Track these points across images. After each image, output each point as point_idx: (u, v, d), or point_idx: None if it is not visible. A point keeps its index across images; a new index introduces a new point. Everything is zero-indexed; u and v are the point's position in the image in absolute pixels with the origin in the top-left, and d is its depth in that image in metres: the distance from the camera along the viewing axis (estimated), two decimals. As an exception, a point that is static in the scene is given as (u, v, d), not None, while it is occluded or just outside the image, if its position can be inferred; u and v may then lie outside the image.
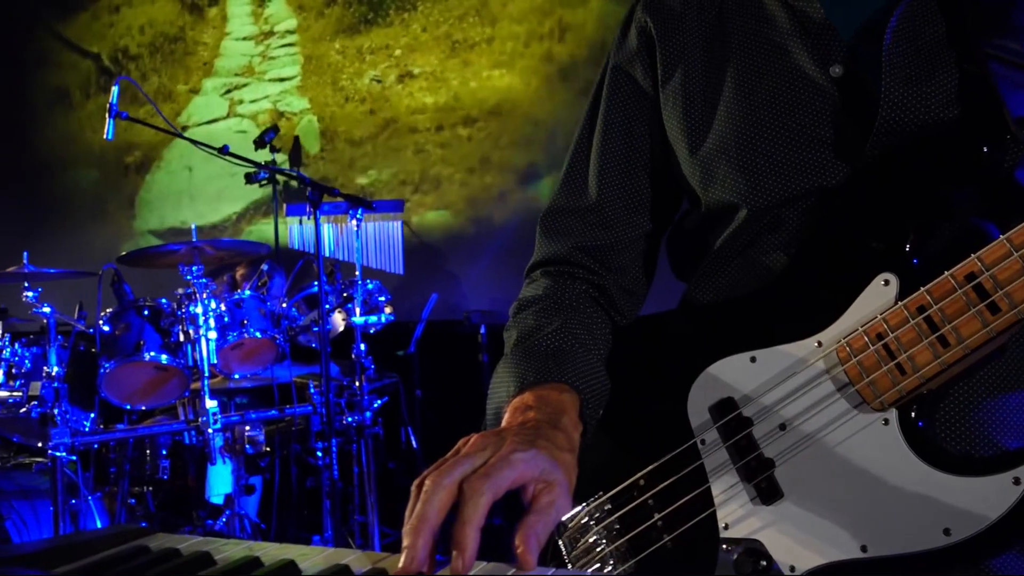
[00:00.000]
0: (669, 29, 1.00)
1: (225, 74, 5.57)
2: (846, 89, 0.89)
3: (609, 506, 0.91)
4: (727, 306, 0.96)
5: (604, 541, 0.90)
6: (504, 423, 0.82)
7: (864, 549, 0.79)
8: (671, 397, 0.90)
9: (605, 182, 1.05)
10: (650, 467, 0.90)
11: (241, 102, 5.50)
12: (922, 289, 0.78)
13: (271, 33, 5.44)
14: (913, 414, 0.80)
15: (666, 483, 0.88)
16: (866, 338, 0.81)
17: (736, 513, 0.85)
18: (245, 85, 5.49)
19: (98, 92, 5.79)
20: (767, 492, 0.83)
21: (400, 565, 0.63)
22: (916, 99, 0.85)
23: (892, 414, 0.80)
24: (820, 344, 0.84)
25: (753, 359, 0.86)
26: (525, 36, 4.63)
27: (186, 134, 5.31)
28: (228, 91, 5.52)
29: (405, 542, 0.64)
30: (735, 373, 0.87)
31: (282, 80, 5.36)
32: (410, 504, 0.68)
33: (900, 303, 0.79)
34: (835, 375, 0.82)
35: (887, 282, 0.81)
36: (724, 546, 0.85)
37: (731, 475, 0.85)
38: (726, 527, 0.85)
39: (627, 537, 0.89)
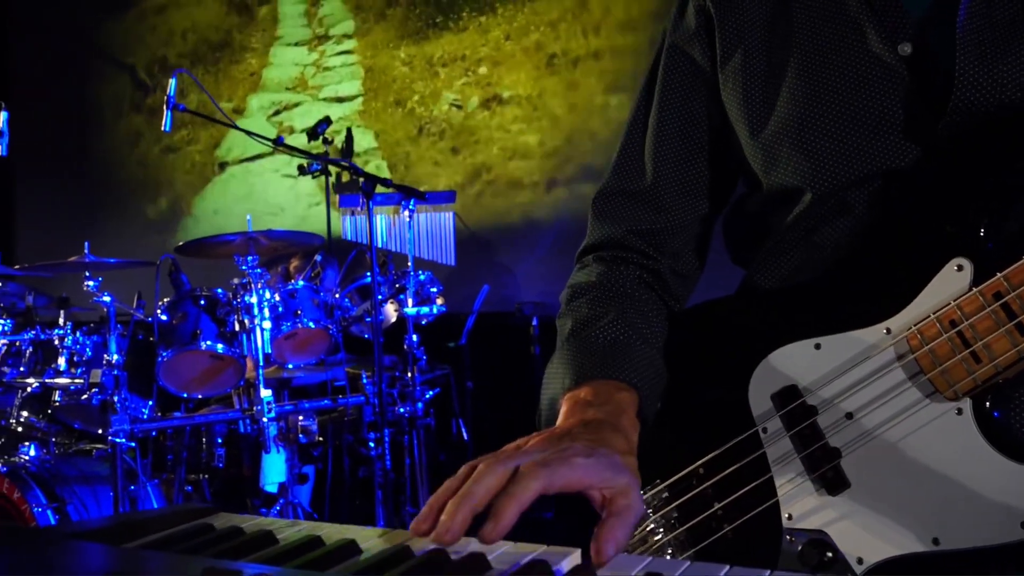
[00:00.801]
0: (729, 8, 0.99)
1: (274, 88, 5.01)
2: (915, 68, 0.87)
3: (667, 494, 0.91)
4: (789, 291, 0.95)
5: (662, 530, 0.90)
6: (562, 417, 0.83)
7: (936, 542, 0.78)
8: (731, 384, 0.89)
9: (661, 164, 1.04)
10: (709, 456, 0.89)
11: (292, 131, 4.88)
12: (999, 275, 0.76)
13: (326, 37, 4.87)
14: (988, 403, 0.78)
15: (726, 472, 0.88)
16: (939, 325, 0.79)
17: (800, 503, 0.84)
18: (296, 105, 4.88)
19: (131, 111, 5.73)
20: (833, 482, 0.82)
21: (434, 533, 0.64)
22: (992, 78, 0.83)
23: (966, 403, 0.78)
24: (889, 331, 0.82)
25: (817, 346, 0.85)
26: (647, 48, 3.79)
27: (225, 174, 5.25)
28: (277, 112, 4.95)
29: (444, 515, 0.64)
30: (798, 360, 0.86)
31: (340, 100, 4.77)
32: (454, 481, 0.69)
33: (975, 289, 0.77)
34: (905, 363, 0.81)
35: (960, 267, 0.79)
36: (788, 537, 0.84)
37: (794, 465, 0.84)
38: (789, 517, 0.84)
39: (686, 526, 0.89)
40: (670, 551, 0.89)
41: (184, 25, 5.58)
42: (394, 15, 4.65)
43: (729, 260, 1.11)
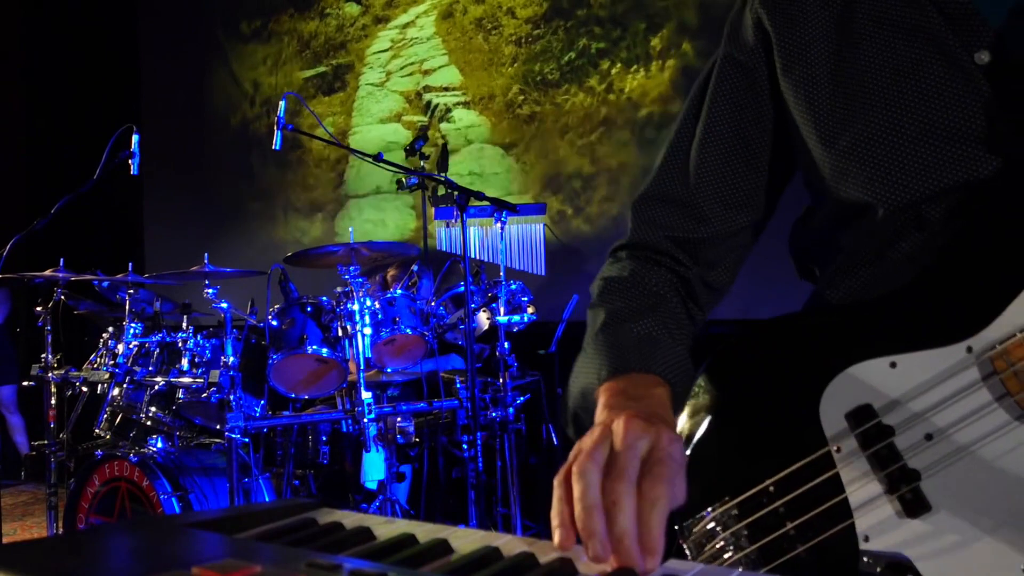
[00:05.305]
0: (788, 21, 0.93)
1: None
2: (994, 77, 0.81)
3: (736, 512, 0.87)
4: (862, 307, 0.89)
5: (732, 548, 0.87)
6: (602, 408, 0.80)
7: None
8: (801, 402, 0.85)
9: (704, 174, 1.00)
10: (780, 474, 0.85)
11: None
12: (1093, 292, 0.70)
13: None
14: (1080, 427, 0.71)
15: (799, 491, 0.83)
16: None
17: (878, 525, 0.79)
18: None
19: (247, 133, 6.01)
20: (913, 505, 0.77)
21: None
22: None
23: None
24: (970, 350, 0.77)
25: (893, 364, 0.80)
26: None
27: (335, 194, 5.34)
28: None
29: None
30: (873, 378, 0.81)
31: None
32: (570, 493, 0.65)
33: None
34: (990, 384, 0.75)
35: None
36: (865, 559, 0.79)
37: (872, 486, 0.80)
38: (866, 539, 0.80)
39: (757, 545, 0.85)
40: (741, 569, 0.85)
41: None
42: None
43: (781, 275, 1.07)
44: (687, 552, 0.90)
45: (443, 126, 4.63)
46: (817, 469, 0.83)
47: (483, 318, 3.52)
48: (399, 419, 3.37)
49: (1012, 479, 0.74)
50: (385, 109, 5.01)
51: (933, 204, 0.84)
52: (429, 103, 4.78)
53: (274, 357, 3.17)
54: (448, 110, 4.71)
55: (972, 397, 0.77)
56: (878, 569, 0.79)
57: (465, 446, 3.30)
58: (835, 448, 0.83)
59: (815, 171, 0.94)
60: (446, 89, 4.71)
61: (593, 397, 0.84)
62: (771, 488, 0.85)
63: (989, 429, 0.76)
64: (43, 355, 3.52)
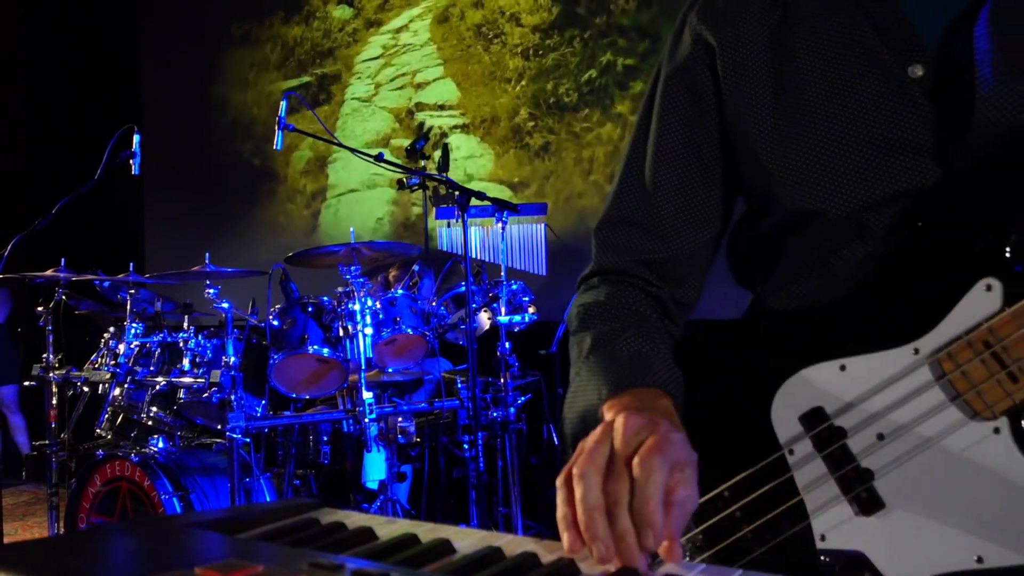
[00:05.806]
0: (728, 36, 0.96)
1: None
2: (930, 90, 0.84)
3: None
4: (808, 313, 0.91)
5: (688, 553, 0.88)
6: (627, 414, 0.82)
7: (980, 560, 0.75)
8: (751, 407, 0.87)
9: (663, 193, 1.01)
10: (735, 479, 0.86)
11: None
12: (1034, 295, 0.72)
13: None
14: (1024, 423, 0.74)
15: (754, 495, 0.85)
16: (971, 346, 0.76)
17: (834, 524, 0.82)
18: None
19: (247, 131, 6.01)
20: (867, 503, 0.80)
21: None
22: (1013, 98, 0.79)
23: (1003, 422, 0.75)
24: (917, 352, 0.79)
25: (843, 367, 0.82)
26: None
27: (333, 192, 5.11)
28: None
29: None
30: (823, 382, 0.83)
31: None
32: (572, 495, 0.67)
33: (1008, 309, 0.74)
34: (938, 384, 0.78)
35: (990, 287, 0.76)
36: (823, 558, 0.82)
37: (826, 487, 0.82)
38: (823, 538, 0.82)
39: (714, 550, 0.87)
40: (740, 571, 0.88)
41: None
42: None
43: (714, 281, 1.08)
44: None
45: (438, 155, 4.24)
46: (771, 473, 0.85)
47: (484, 318, 3.55)
48: (400, 419, 3.41)
49: (965, 474, 0.77)
50: (371, 130, 4.47)
51: (874, 213, 0.87)
52: (422, 124, 4.30)
53: (275, 357, 3.20)
54: (444, 134, 4.16)
55: (925, 397, 0.79)
56: (836, 567, 0.81)
57: (466, 446, 3.32)
58: (788, 451, 0.85)
59: (758, 181, 0.96)
60: (441, 107, 4.13)
61: (597, 417, 0.85)
62: (725, 494, 0.87)
63: (942, 428, 0.78)
64: (44, 355, 3.57)
